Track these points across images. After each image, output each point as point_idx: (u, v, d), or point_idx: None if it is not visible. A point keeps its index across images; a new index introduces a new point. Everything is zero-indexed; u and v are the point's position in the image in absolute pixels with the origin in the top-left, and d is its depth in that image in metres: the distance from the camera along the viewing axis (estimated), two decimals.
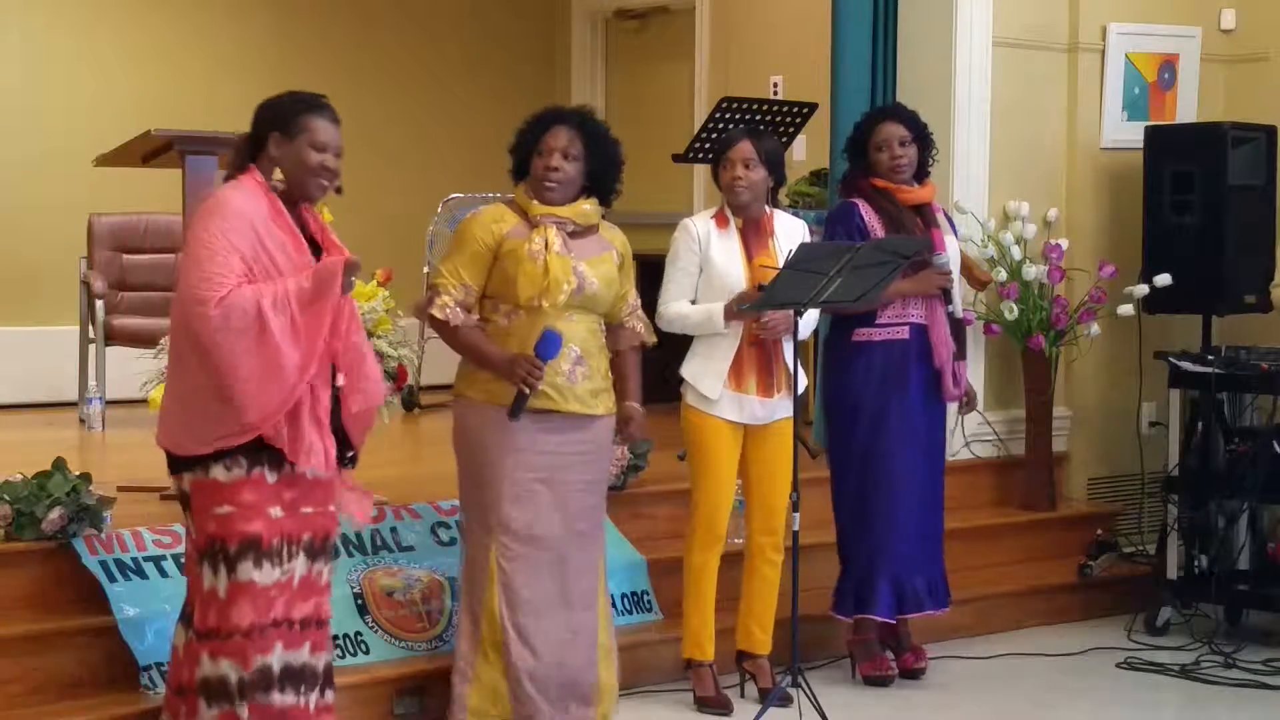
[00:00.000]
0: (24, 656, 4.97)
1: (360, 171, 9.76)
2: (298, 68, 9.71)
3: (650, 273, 5.57)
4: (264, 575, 4.31)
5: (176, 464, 4.36)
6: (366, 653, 5.39)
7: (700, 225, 5.58)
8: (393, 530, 5.72)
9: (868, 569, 5.92)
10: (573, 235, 5.09)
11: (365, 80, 10.03)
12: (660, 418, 6.49)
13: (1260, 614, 6.80)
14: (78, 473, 5.25)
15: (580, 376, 5.07)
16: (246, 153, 4.44)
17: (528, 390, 4.93)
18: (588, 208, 5.14)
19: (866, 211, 5.87)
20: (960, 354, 5.95)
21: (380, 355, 5.77)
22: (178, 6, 9.59)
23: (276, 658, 4.36)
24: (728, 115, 7.66)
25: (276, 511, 4.33)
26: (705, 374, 5.52)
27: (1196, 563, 6.75)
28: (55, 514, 5.15)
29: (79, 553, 5.15)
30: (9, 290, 8.93)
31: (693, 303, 5.54)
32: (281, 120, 4.40)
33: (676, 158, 8.13)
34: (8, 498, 5.17)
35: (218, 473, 4.28)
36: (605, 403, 5.16)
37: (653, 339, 5.36)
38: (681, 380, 5.59)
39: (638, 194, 10.24)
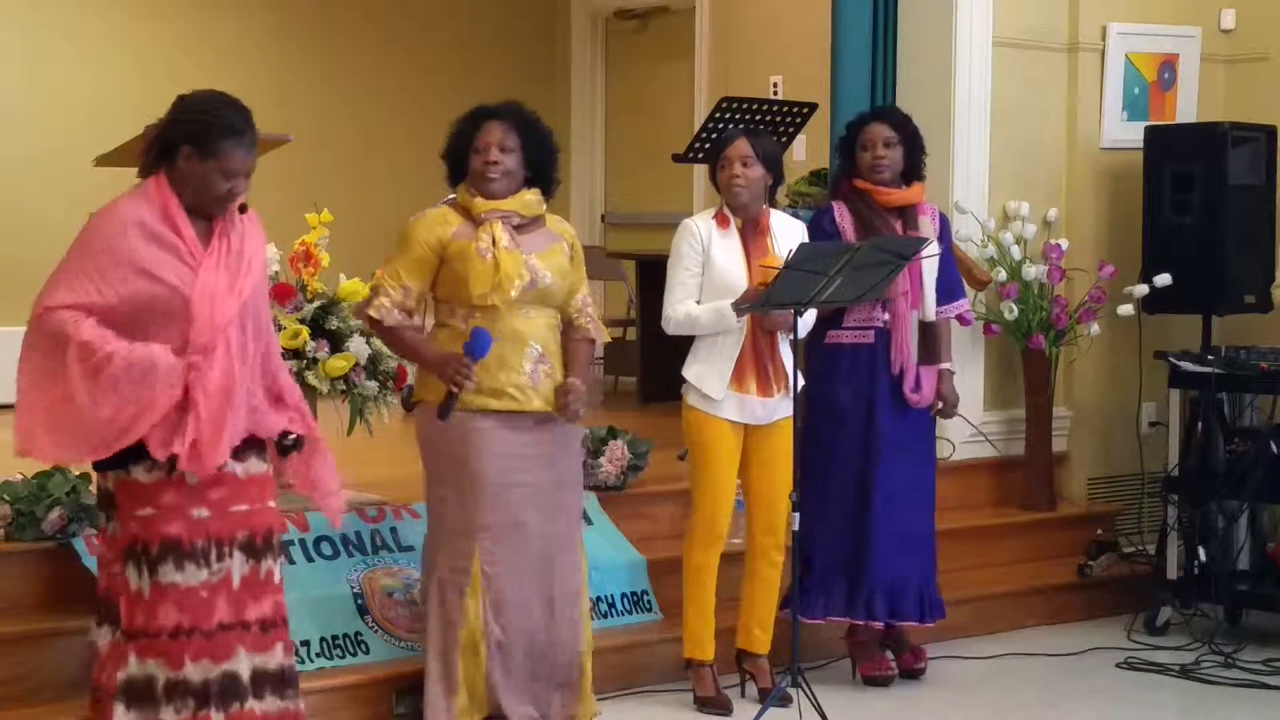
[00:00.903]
0: (24, 656, 4.98)
1: (359, 171, 9.88)
2: (297, 67, 9.74)
3: (651, 272, 5.57)
4: (187, 576, 4.24)
5: (101, 461, 4.30)
6: (366, 653, 5.39)
7: (702, 225, 5.58)
8: (393, 530, 5.72)
9: (828, 570, 5.89)
10: (520, 230, 5.08)
11: (364, 79, 10.04)
12: (660, 418, 6.51)
13: (1260, 614, 6.80)
14: (78, 473, 5.25)
15: (543, 375, 5.06)
16: (158, 151, 4.33)
17: (456, 390, 4.92)
18: (530, 198, 5.13)
19: (841, 214, 5.87)
20: (928, 359, 5.90)
21: (380, 355, 5.78)
22: (178, 6, 9.59)
23: (242, 662, 4.30)
24: (727, 115, 7.65)
25: (201, 512, 4.26)
26: (709, 375, 5.51)
27: (1196, 563, 6.74)
28: (55, 514, 5.15)
29: (79, 553, 5.15)
30: (9, 290, 8.89)
31: (697, 303, 5.53)
32: (198, 137, 4.27)
33: (676, 158, 8.13)
34: (8, 498, 5.18)
35: (139, 474, 4.24)
36: None
37: (604, 337, 5.35)
38: (683, 381, 5.59)
39: (638, 194, 10.33)
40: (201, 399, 4.18)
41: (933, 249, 5.84)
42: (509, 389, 5.01)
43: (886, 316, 5.83)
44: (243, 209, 4.37)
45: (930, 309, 5.90)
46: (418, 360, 5.11)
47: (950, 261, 6.08)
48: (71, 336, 4.16)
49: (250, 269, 4.33)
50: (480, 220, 5.06)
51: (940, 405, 5.98)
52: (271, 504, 4.42)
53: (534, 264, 5.04)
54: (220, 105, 4.33)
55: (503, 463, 5.03)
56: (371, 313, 5.07)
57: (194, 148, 4.26)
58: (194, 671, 4.25)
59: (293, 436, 4.44)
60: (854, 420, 5.85)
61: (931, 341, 5.91)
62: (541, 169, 5.16)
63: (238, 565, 4.32)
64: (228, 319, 4.24)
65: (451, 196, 5.25)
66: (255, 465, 4.37)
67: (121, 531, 4.31)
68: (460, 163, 5.15)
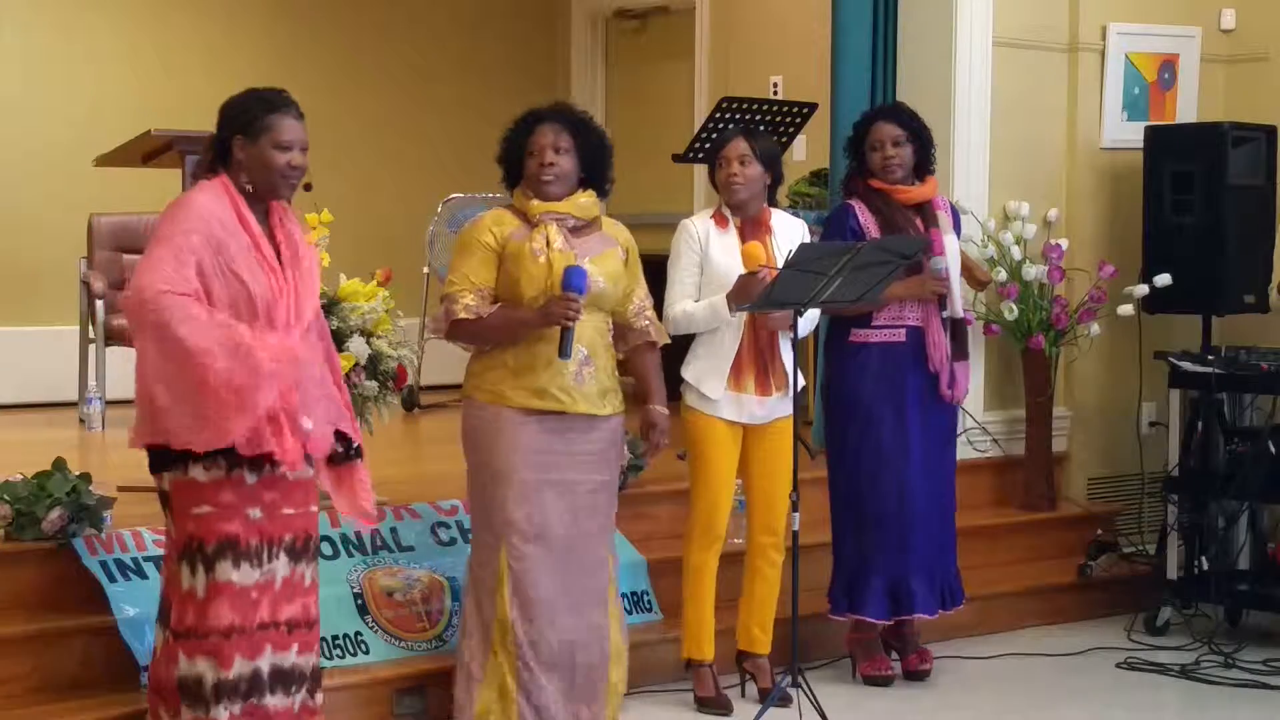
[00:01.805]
0: (24, 656, 4.98)
1: (360, 171, 9.87)
2: (297, 68, 9.72)
3: (651, 273, 5.56)
4: (242, 576, 4.30)
5: (157, 463, 4.35)
6: (366, 653, 5.39)
7: (700, 225, 5.58)
8: (393, 530, 5.72)
9: (859, 569, 5.91)
10: (575, 233, 5.07)
11: (365, 80, 10.03)
12: None
13: (1260, 614, 6.80)
14: (78, 473, 5.25)
15: (588, 377, 5.05)
16: (215, 156, 4.42)
17: (570, 324, 4.89)
18: (584, 200, 5.12)
19: (862, 213, 5.87)
20: (960, 354, 5.93)
21: (380, 355, 5.78)
22: (177, 6, 9.59)
23: (266, 660, 4.35)
24: (728, 115, 7.65)
25: (255, 513, 4.32)
26: (707, 375, 5.51)
27: (1196, 563, 6.74)
28: (55, 514, 5.15)
29: (79, 553, 5.15)
30: (9, 290, 8.93)
31: (695, 302, 5.53)
32: (243, 122, 4.38)
33: (676, 158, 8.13)
34: (8, 498, 5.17)
35: (197, 473, 4.28)
36: (613, 402, 5.14)
37: (665, 339, 5.35)
38: (681, 380, 5.59)
39: (638, 194, 10.30)
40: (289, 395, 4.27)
41: (953, 245, 5.87)
42: (553, 389, 4.99)
43: (919, 315, 5.84)
44: (308, 187, 4.48)
45: (959, 305, 5.91)
46: (523, 329, 4.98)
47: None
48: (216, 324, 4.18)
49: (307, 267, 4.43)
50: (535, 222, 5.05)
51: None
52: (314, 509, 4.48)
53: (586, 268, 5.02)
54: (256, 91, 4.46)
55: (536, 459, 5.01)
56: (461, 314, 4.99)
57: (244, 135, 4.36)
58: (236, 669, 4.31)
59: (357, 445, 4.51)
60: (886, 419, 5.86)
61: (961, 336, 5.93)
62: (595, 169, 5.15)
63: (281, 567, 4.38)
64: (308, 316, 4.37)
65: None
66: (304, 470, 4.41)
67: (177, 531, 4.36)
68: (515, 167, 5.15)
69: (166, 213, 4.34)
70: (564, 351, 4.91)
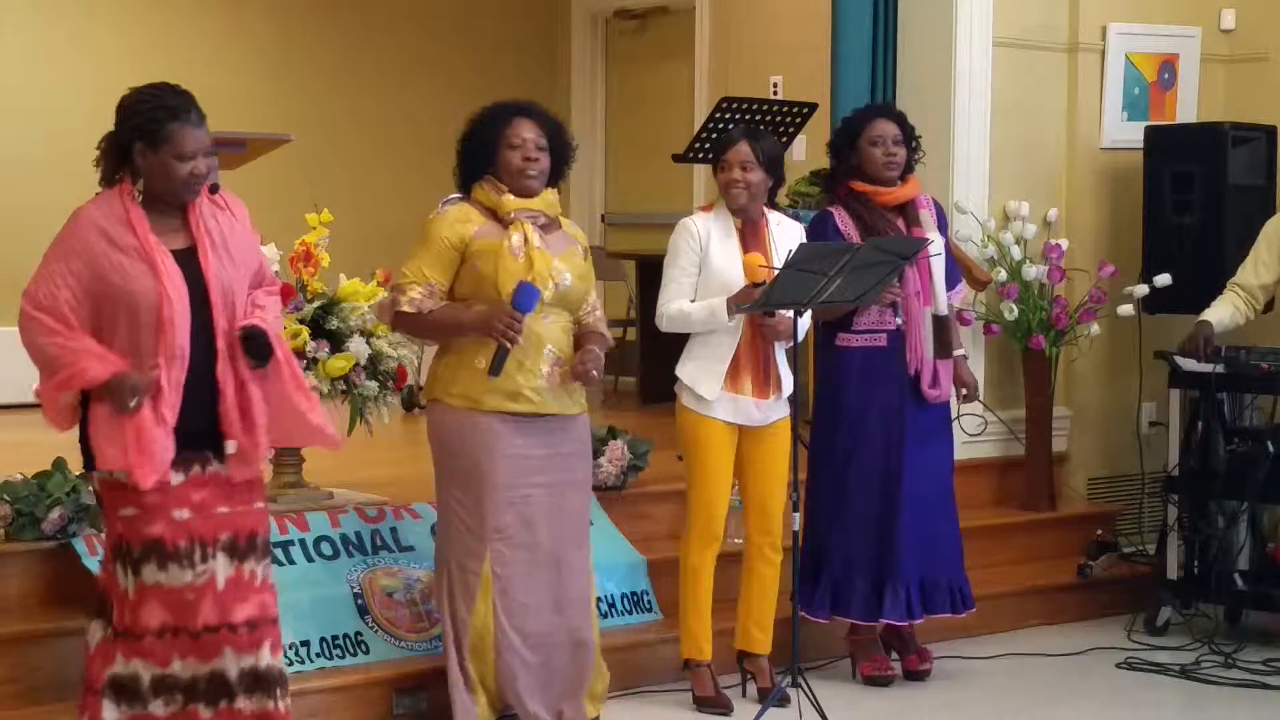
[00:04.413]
0: (24, 656, 4.99)
1: (359, 171, 9.88)
2: (297, 67, 9.74)
3: (652, 272, 5.57)
4: (170, 577, 4.25)
5: (89, 464, 4.33)
6: (366, 653, 5.39)
7: (700, 224, 5.57)
8: (393, 530, 5.72)
9: (843, 571, 5.90)
10: (542, 231, 5.06)
11: (365, 80, 10.04)
12: (659, 418, 6.48)
13: (1260, 614, 6.80)
14: (78, 473, 5.24)
15: (559, 377, 5.05)
16: (115, 158, 4.34)
17: (509, 345, 4.88)
18: (552, 199, 5.12)
19: (842, 219, 5.86)
20: (943, 352, 5.91)
21: (380, 355, 5.78)
22: (177, 5, 9.59)
23: (230, 662, 4.29)
24: (728, 115, 7.65)
25: (182, 514, 4.26)
26: (703, 375, 5.50)
27: (1196, 563, 6.74)
28: (55, 514, 5.15)
29: (79, 553, 5.15)
30: (8, 290, 8.91)
31: (692, 301, 5.52)
32: (143, 129, 4.26)
33: (676, 158, 8.13)
34: (8, 498, 5.18)
35: (121, 474, 4.24)
36: (580, 402, 5.16)
37: (611, 341, 5.33)
38: (676, 380, 5.58)
39: (638, 194, 10.34)
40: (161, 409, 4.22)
41: (937, 248, 5.84)
42: (525, 391, 5.00)
43: (899, 320, 5.83)
44: (214, 189, 4.36)
45: (942, 303, 5.91)
46: (460, 329, 4.98)
47: (947, 247, 6.08)
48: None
49: (233, 257, 4.35)
50: (509, 219, 5.04)
51: (963, 391, 6.03)
52: (258, 505, 4.42)
53: (559, 265, 5.03)
54: (158, 93, 4.31)
55: (515, 464, 5.01)
56: (404, 308, 4.99)
57: (144, 142, 4.26)
58: (181, 669, 4.27)
59: (249, 325, 4.32)
60: (872, 422, 5.85)
61: (944, 334, 5.92)
62: (559, 169, 5.16)
63: (222, 567, 4.31)
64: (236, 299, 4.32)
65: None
66: (245, 469, 4.35)
67: (109, 531, 4.34)
68: (482, 159, 5.10)
69: (62, 230, 4.33)
70: (495, 369, 4.90)
